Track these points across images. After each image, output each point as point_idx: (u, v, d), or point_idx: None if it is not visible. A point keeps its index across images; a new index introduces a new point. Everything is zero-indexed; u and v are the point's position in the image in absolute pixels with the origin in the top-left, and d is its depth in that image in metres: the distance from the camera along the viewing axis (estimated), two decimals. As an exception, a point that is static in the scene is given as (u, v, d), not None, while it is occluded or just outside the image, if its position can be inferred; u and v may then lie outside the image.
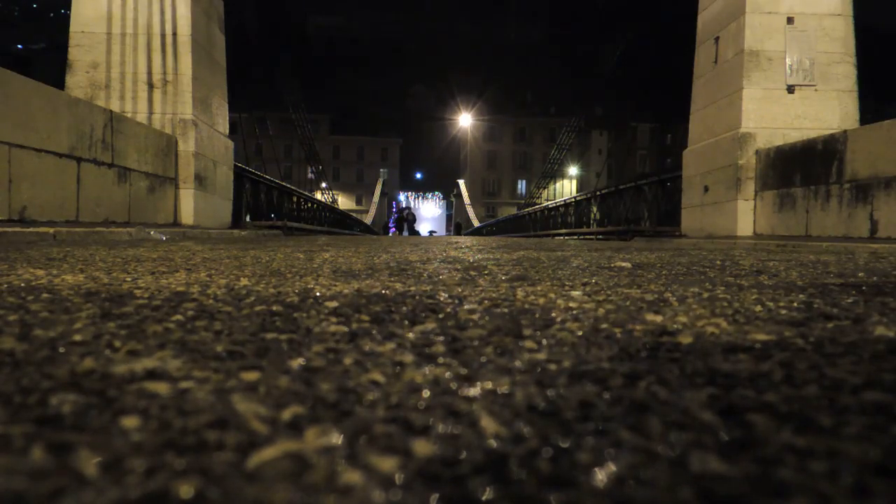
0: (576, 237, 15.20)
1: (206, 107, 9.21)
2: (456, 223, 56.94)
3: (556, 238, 15.62)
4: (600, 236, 13.84)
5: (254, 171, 12.39)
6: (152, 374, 0.73)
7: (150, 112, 8.40)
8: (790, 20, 8.54)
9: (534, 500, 0.43)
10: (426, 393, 0.67)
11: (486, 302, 1.42)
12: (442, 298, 1.48)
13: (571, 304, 1.39)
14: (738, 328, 1.09)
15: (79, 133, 6.04)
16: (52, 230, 4.58)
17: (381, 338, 0.97)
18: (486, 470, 0.47)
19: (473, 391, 0.68)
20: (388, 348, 0.90)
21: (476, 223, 43.18)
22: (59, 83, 7.54)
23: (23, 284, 1.63)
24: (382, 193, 52.99)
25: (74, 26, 8.29)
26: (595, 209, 16.04)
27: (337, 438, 0.53)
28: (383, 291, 1.61)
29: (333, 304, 1.35)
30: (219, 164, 9.61)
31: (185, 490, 0.43)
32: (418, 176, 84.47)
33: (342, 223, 24.53)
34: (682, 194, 10.29)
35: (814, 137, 7.45)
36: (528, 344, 0.94)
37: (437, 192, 77.21)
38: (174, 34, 8.51)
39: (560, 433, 0.55)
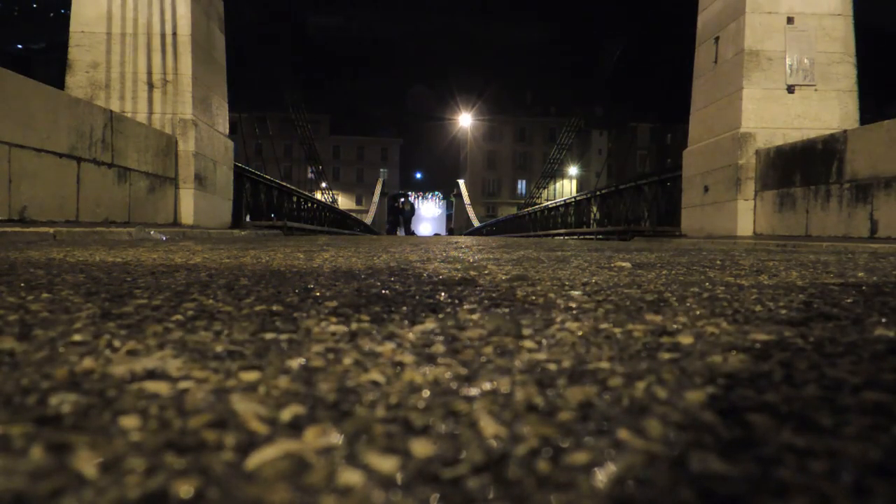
0: (576, 237, 15.21)
1: (206, 107, 9.21)
2: (449, 228, 57.18)
3: (556, 238, 15.62)
4: (600, 236, 13.84)
5: (254, 171, 12.39)
6: (152, 374, 0.73)
7: (150, 112, 8.41)
8: (790, 20, 8.54)
9: (534, 500, 0.42)
10: (426, 393, 0.67)
11: (485, 302, 1.42)
12: (442, 298, 1.47)
13: (571, 304, 1.39)
14: (738, 328, 1.09)
15: (79, 133, 6.04)
16: (52, 230, 4.58)
17: (381, 338, 0.97)
18: (486, 470, 0.47)
19: (473, 391, 0.68)
20: (387, 348, 0.90)
21: (476, 223, 43.24)
22: (59, 83, 7.55)
23: (22, 284, 1.63)
24: (382, 193, 53.01)
25: (74, 26, 8.30)
26: (595, 209, 16.05)
27: (336, 438, 0.53)
28: (383, 291, 1.60)
29: (333, 303, 1.35)
30: (219, 163, 9.61)
31: (185, 490, 0.43)
32: (418, 176, 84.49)
33: (342, 223, 24.53)
34: (682, 194, 10.29)
35: (814, 137, 7.45)
36: (528, 344, 0.94)
37: (436, 192, 77.19)
38: (174, 34, 8.51)
39: (560, 433, 0.55)
